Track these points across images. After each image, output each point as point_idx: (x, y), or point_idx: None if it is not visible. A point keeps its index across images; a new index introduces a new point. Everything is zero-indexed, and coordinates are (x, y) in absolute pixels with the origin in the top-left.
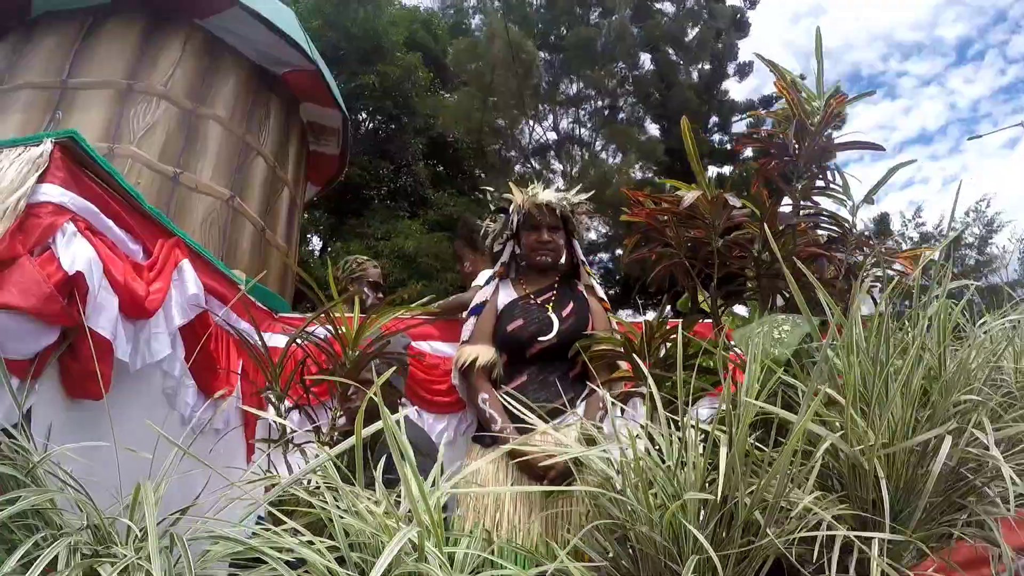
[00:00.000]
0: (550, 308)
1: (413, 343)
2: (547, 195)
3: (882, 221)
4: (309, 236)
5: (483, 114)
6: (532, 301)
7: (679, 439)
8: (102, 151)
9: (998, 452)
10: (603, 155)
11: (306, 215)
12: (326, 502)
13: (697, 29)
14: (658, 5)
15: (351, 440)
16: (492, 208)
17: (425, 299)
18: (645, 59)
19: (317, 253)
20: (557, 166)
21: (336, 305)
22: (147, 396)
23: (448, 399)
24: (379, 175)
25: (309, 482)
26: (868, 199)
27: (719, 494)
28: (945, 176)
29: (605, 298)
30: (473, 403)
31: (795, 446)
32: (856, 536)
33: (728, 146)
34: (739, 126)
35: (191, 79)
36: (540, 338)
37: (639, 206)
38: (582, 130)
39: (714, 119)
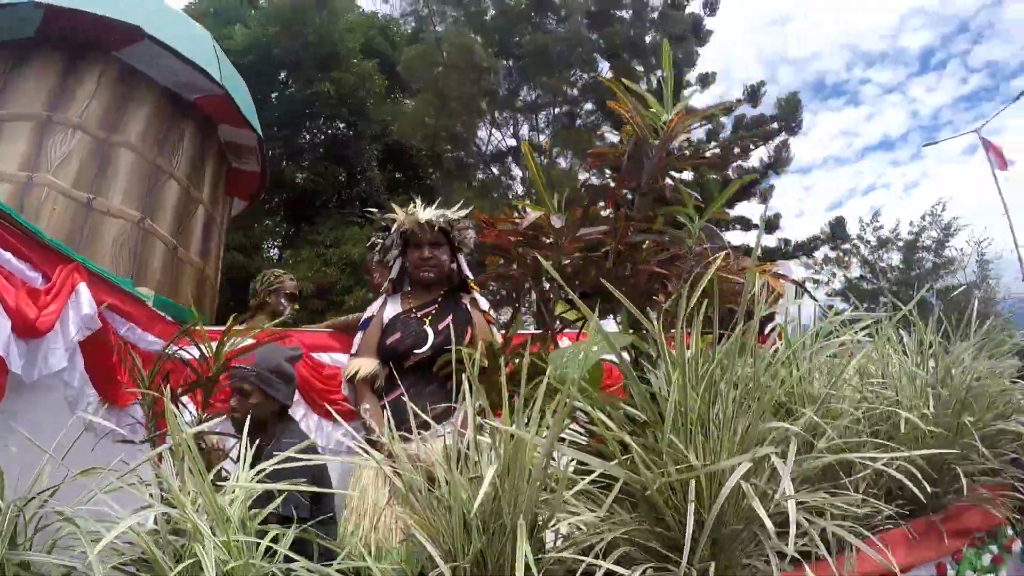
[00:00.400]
0: (427, 322)
1: (314, 355)
2: (426, 213)
3: (838, 225)
4: (266, 245)
5: (437, 120)
6: (413, 315)
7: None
8: (22, 180)
9: (791, 486)
10: (560, 161)
11: (267, 223)
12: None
13: (652, 36)
14: (618, 12)
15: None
16: (379, 228)
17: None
18: (605, 66)
19: (276, 261)
20: (517, 172)
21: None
22: (51, 404)
23: (346, 407)
24: (334, 182)
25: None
26: (712, 216)
27: (475, 507)
28: (906, 182)
29: (488, 310)
30: (357, 412)
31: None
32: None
33: (686, 151)
34: (698, 133)
35: (106, 109)
36: (415, 351)
37: (491, 228)
38: (541, 136)
39: None
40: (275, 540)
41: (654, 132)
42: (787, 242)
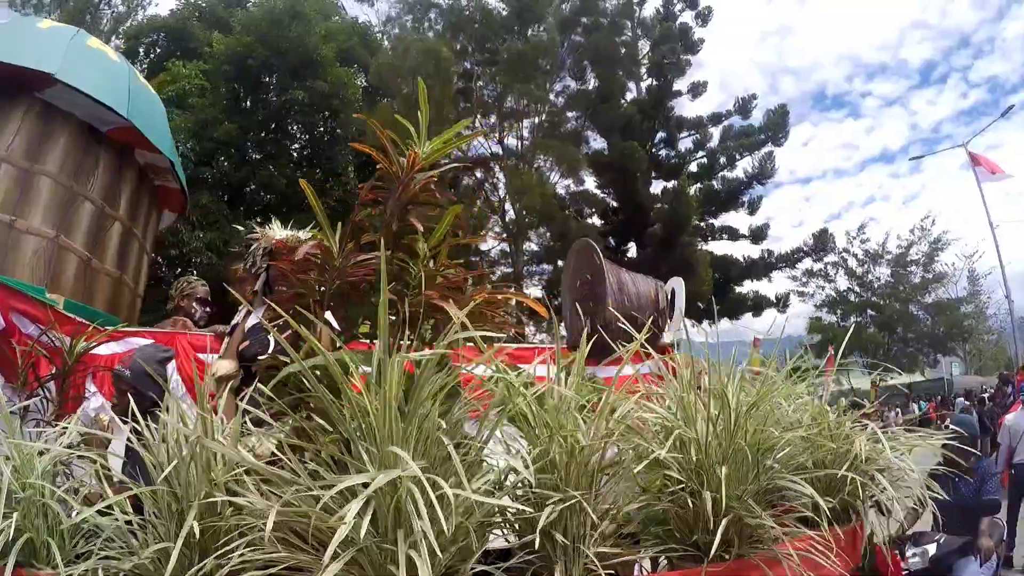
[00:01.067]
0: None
1: (201, 355)
2: (281, 233)
3: (821, 237)
4: (240, 247)
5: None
6: (262, 325)
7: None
8: None
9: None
10: (537, 165)
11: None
12: None
13: (641, 44)
14: (605, 20)
15: None
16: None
17: None
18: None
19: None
20: (501, 176)
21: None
22: None
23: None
24: (312, 186)
25: None
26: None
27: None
28: (905, 194)
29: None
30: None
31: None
32: None
33: (673, 160)
34: (686, 142)
35: (29, 141)
36: (259, 357)
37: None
38: (522, 143)
39: (661, 134)
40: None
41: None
42: (770, 252)
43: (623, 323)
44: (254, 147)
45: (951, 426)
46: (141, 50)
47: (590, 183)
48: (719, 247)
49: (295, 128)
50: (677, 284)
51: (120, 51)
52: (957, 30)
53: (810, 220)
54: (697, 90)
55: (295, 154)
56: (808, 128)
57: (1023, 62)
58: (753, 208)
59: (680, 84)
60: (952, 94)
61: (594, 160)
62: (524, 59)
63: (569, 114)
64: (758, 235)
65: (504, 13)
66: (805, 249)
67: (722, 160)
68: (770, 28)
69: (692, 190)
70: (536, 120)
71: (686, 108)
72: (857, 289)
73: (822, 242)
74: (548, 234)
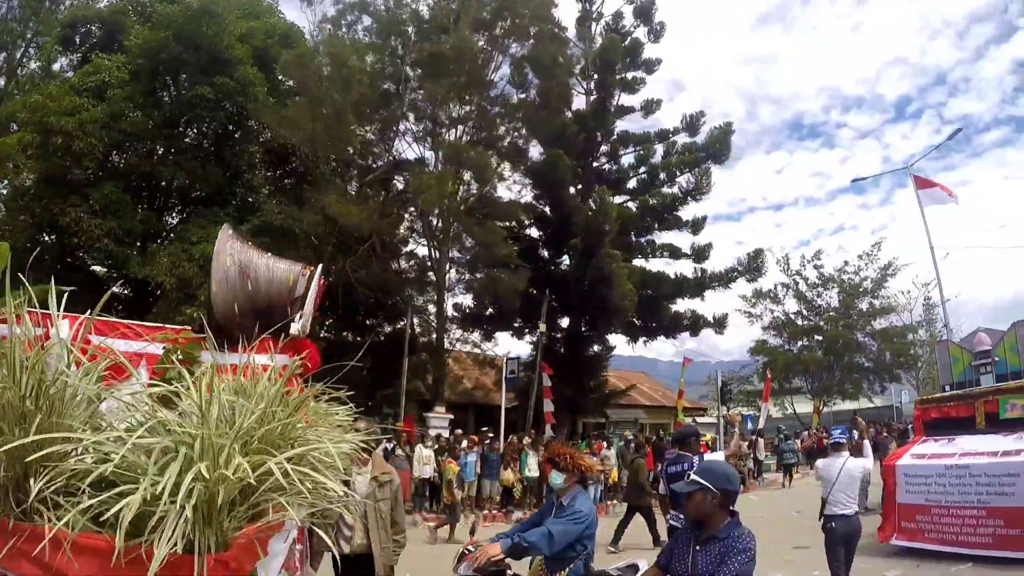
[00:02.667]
0: None
1: None
2: None
3: (755, 257)
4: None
5: (315, 125)
6: None
7: None
8: None
9: None
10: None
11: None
12: None
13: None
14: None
15: None
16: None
17: None
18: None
19: (140, 254)
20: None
21: None
22: None
23: None
24: (214, 182)
25: None
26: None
27: None
28: (874, 225)
29: None
30: None
31: None
32: None
33: (614, 175)
34: (628, 158)
35: None
36: None
37: None
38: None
39: (604, 148)
40: None
41: None
42: (703, 271)
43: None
44: (161, 140)
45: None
46: (77, 39)
47: (528, 194)
48: (658, 264)
49: (204, 125)
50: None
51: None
52: (935, 68)
53: (780, 246)
54: (650, 107)
55: (201, 151)
56: (783, 156)
57: (997, 102)
58: (696, 228)
59: (632, 100)
60: (926, 129)
61: (530, 169)
62: (443, 60)
63: (508, 124)
64: (700, 255)
65: (438, 17)
66: (739, 269)
67: (662, 176)
68: (754, 55)
69: (634, 205)
70: (464, 127)
71: (635, 122)
72: (805, 312)
73: (756, 263)
74: (470, 242)
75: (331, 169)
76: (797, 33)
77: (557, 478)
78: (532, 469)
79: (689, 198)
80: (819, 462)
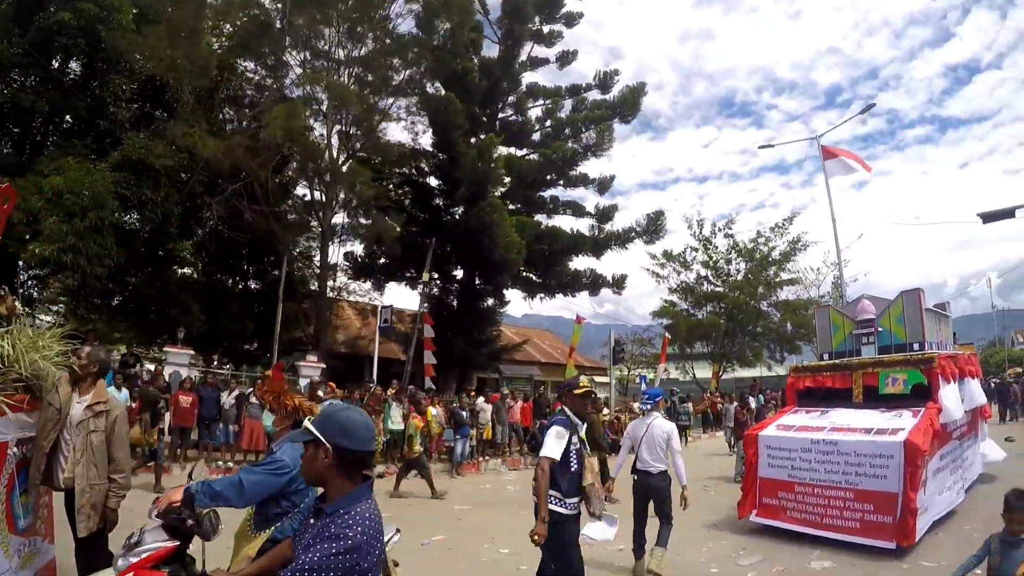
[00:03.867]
0: None
1: None
2: None
3: (655, 219)
4: None
5: (173, 51)
6: None
7: None
8: None
9: None
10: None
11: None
12: None
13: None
14: None
15: None
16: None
17: None
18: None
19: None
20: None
21: None
22: None
23: None
24: (76, 114)
25: None
26: None
27: None
28: (795, 204)
29: None
30: None
31: None
32: None
33: (519, 127)
34: (537, 111)
35: None
36: None
37: None
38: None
39: (511, 99)
40: None
41: None
42: (601, 229)
43: None
44: (21, 70)
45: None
46: None
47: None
48: (563, 222)
49: (67, 53)
50: None
51: None
52: (869, 62)
53: (699, 216)
54: (566, 59)
55: (64, 80)
56: (712, 131)
57: (924, 101)
58: (603, 187)
59: (549, 52)
60: (853, 120)
61: (423, 111)
62: None
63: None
64: (605, 215)
65: None
66: (638, 229)
67: (568, 131)
68: (692, 31)
69: (535, 156)
70: (356, 68)
71: (554, 76)
72: (711, 278)
73: (656, 224)
74: (359, 188)
75: (195, 101)
76: (736, 14)
77: (267, 419)
78: (396, 421)
79: (590, 153)
80: (631, 422)
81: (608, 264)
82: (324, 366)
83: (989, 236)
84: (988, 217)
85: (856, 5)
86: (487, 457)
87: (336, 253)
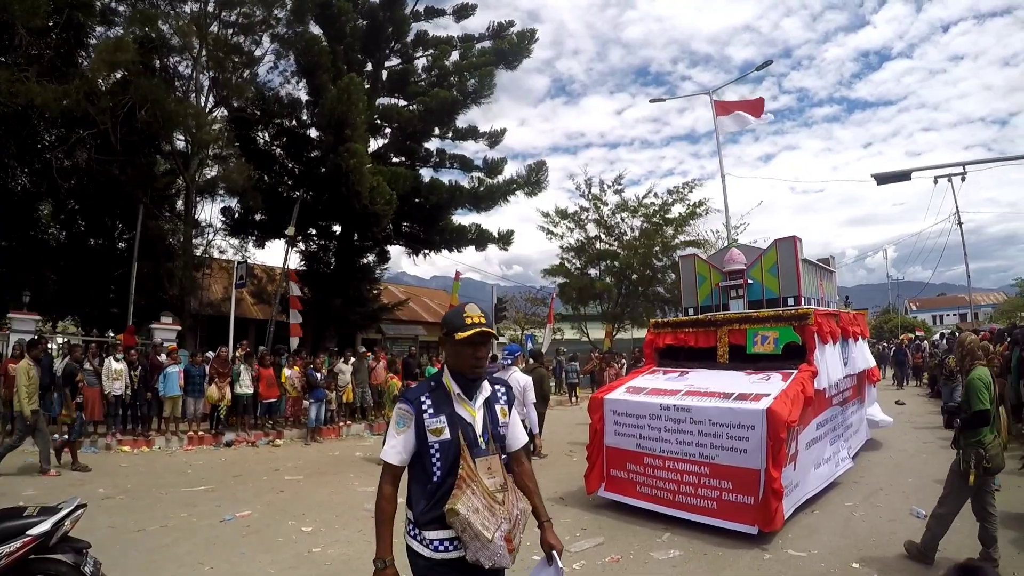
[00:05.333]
0: None
1: None
2: None
3: (536, 170)
4: None
5: None
6: None
7: None
8: None
9: None
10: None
11: None
12: None
13: None
14: None
15: None
16: None
17: None
18: None
19: None
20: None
21: None
22: None
23: None
24: None
25: None
26: None
27: None
28: (704, 173)
29: None
30: None
31: None
32: None
33: (402, 76)
34: (424, 61)
35: None
36: None
37: None
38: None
39: (397, 46)
40: None
41: None
42: (481, 181)
43: None
44: None
45: None
46: None
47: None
48: (450, 176)
49: None
50: None
51: None
52: (783, 42)
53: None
54: (463, 12)
55: None
56: (626, 98)
57: (834, 83)
58: (493, 140)
59: (446, 4)
60: (764, 95)
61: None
62: None
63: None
64: (494, 169)
65: None
66: (519, 181)
67: (454, 79)
68: None
69: (414, 107)
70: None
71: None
72: (604, 237)
73: (537, 176)
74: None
75: (30, 41)
76: None
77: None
78: (245, 385)
79: (471, 101)
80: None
81: (507, 223)
82: (180, 328)
83: (889, 214)
84: (882, 179)
85: None
86: (348, 422)
87: (209, 210)
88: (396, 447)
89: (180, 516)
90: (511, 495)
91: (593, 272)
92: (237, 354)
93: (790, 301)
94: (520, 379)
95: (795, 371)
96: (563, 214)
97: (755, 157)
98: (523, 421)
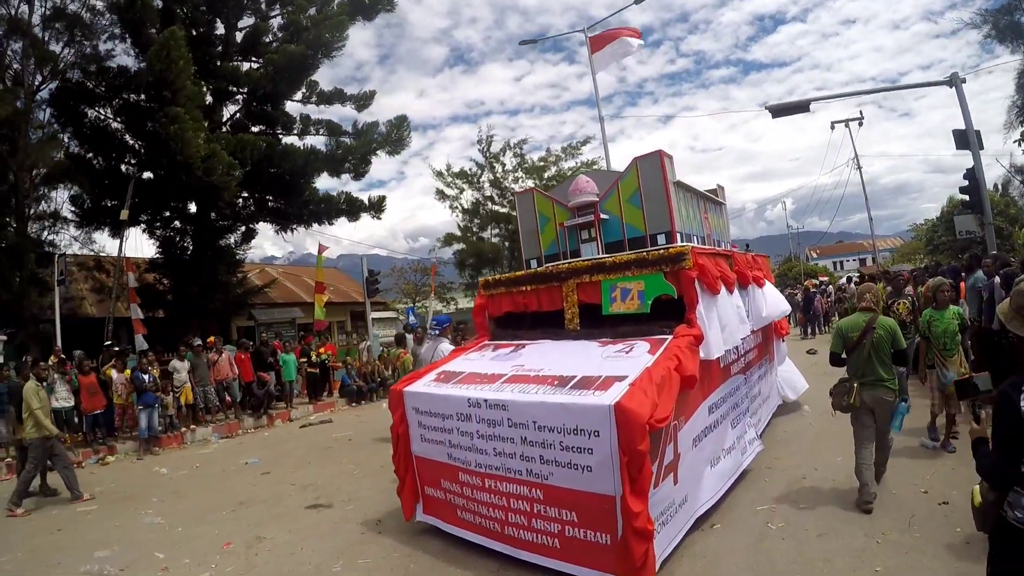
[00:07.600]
0: None
1: None
2: None
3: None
4: None
5: None
6: None
7: None
8: None
9: None
10: None
11: None
12: None
13: None
14: None
15: None
16: None
17: None
18: None
19: None
20: None
21: None
22: None
23: None
24: None
25: None
26: None
27: None
28: (607, 135)
29: None
30: None
31: None
32: None
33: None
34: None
35: None
36: None
37: None
38: None
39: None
40: None
41: None
42: (338, 144)
43: None
44: None
45: None
46: None
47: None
48: (319, 141)
49: None
50: None
51: None
52: (680, 6)
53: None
54: None
55: None
56: (525, 65)
57: (729, 45)
58: (362, 103)
59: None
60: (661, 59)
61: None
62: None
63: None
64: (364, 134)
65: None
66: (378, 140)
67: (309, 36)
68: None
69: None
70: None
71: None
72: (497, 198)
73: (398, 134)
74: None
75: None
76: None
77: None
78: (63, 397)
79: (321, 55)
80: (422, 347)
81: (411, 196)
82: (5, 338)
83: (785, 168)
84: (777, 111)
85: None
86: (193, 427)
87: (52, 199)
88: None
89: None
90: None
91: (488, 236)
92: (50, 362)
93: (660, 239)
94: (446, 350)
95: (668, 337)
96: (457, 174)
97: (652, 121)
98: None
